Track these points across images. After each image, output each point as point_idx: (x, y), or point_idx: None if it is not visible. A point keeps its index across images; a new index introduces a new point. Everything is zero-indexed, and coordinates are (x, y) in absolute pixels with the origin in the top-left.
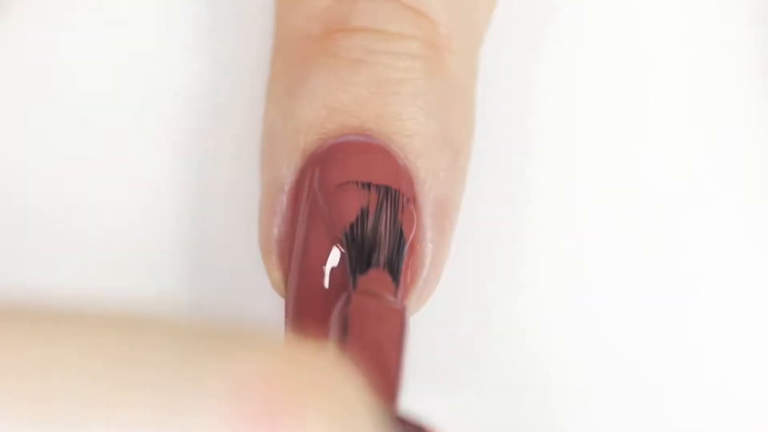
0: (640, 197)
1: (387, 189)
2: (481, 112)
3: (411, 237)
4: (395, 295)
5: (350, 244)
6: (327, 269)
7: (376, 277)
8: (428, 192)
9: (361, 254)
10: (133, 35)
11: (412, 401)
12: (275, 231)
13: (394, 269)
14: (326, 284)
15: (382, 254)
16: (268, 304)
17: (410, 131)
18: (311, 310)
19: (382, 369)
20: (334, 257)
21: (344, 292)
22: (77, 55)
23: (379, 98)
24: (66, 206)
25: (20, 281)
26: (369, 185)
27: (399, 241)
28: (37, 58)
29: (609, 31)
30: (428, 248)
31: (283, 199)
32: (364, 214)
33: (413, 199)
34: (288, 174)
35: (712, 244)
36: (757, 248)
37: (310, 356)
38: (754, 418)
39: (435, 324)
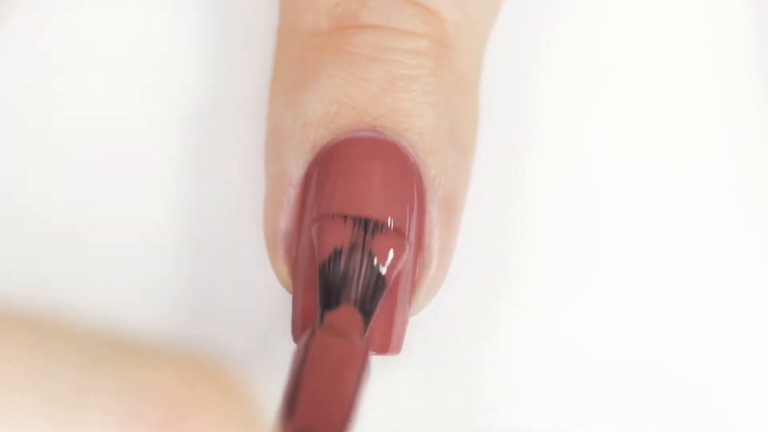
0: (641, 196)
1: (366, 222)
2: (482, 110)
3: (393, 274)
4: (363, 333)
5: (322, 281)
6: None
7: (345, 314)
8: (437, 190)
9: (330, 292)
10: (135, 30)
11: (412, 399)
12: (282, 225)
13: (366, 308)
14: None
15: (353, 292)
16: (273, 299)
17: (420, 128)
18: None
19: (335, 404)
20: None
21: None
22: (79, 51)
23: (391, 95)
24: (70, 201)
25: (22, 281)
26: (345, 218)
27: (376, 281)
28: (39, 58)
29: (609, 31)
30: (435, 246)
31: (292, 193)
32: (337, 253)
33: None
34: (297, 168)
35: (712, 244)
36: (757, 247)
37: (209, 375)
38: (754, 417)
39: (435, 321)
